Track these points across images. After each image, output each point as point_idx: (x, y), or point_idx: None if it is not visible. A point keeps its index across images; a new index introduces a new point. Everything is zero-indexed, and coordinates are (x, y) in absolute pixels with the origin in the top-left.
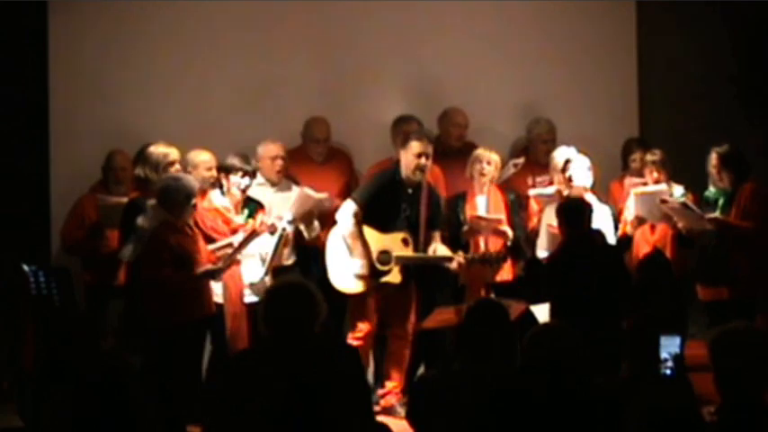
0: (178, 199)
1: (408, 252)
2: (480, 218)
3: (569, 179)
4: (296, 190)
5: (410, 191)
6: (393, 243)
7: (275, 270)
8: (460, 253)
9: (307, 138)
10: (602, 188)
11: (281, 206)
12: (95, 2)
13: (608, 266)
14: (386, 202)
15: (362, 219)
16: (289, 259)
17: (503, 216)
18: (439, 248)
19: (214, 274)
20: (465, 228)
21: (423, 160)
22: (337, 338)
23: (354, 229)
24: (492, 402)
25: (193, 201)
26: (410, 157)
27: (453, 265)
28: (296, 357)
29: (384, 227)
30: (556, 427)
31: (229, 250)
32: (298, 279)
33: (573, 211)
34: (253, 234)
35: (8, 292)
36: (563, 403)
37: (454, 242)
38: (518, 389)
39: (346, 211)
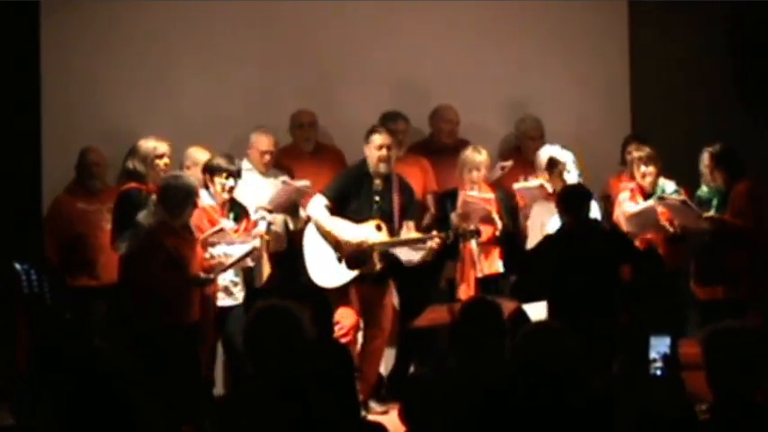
0: (177, 197)
1: (383, 237)
2: (471, 198)
3: (564, 181)
4: (277, 182)
5: (380, 183)
6: (367, 231)
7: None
8: (434, 233)
9: (293, 127)
10: (595, 185)
11: (267, 191)
12: (88, 2)
13: (609, 255)
14: (356, 196)
15: (335, 213)
16: (281, 246)
17: (492, 196)
18: (412, 235)
19: (205, 283)
20: (456, 211)
21: (384, 152)
22: (326, 339)
23: (323, 219)
24: (485, 401)
25: (194, 199)
26: (372, 150)
27: (429, 245)
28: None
29: (357, 220)
30: (549, 426)
31: (221, 255)
32: (276, 303)
33: (573, 197)
34: (253, 250)
35: (1, 290)
36: (556, 403)
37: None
38: (511, 388)
39: (317, 204)
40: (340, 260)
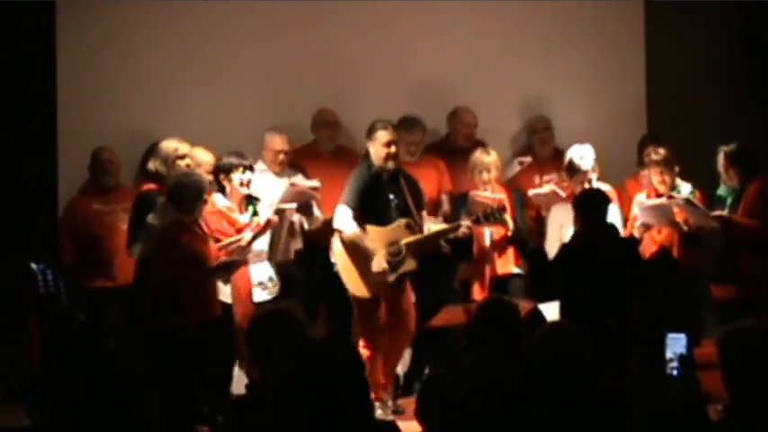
0: (191, 195)
1: (415, 236)
2: (479, 197)
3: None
4: (285, 183)
5: (387, 179)
6: (398, 232)
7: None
8: (464, 217)
9: (318, 125)
10: (612, 185)
11: (280, 192)
12: (103, 1)
13: (621, 260)
14: (373, 197)
15: (359, 219)
16: (297, 245)
17: (502, 196)
18: (432, 226)
19: (230, 267)
20: (468, 212)
21: (392, 148)
22: (339, 340)
23: (359, 230)
24: (500, 401)
25: (205, 197)
26: (379, 147)
27: (462, 231)
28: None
29: (381, 221)
30: (564, 426)
31: (243, 243)
32: (277, 307)
33: (590, 201)
34: (267, 226)
35: (16, 289)
36: (571, 403)
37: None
38: (526, 388)
39: (344, 215)
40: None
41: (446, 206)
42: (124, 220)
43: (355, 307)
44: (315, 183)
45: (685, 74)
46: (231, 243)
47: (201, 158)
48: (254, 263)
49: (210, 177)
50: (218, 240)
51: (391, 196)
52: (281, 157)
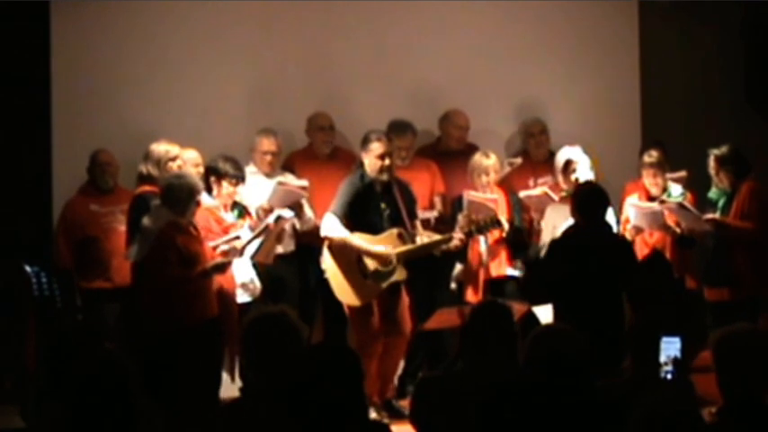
0: (182, 196)
1: (407, 246)
2: (475, 198)
3: (575, 180)
4: (274, 183)
5: (380, 189)
6: (389, 242)
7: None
8: (457, 230)
9: (313, 129)
10: (606, 188)
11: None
12: (98, 2)
13: (617, 259)
14: (365, 206)
15: (348, 228)
16: (288, 247)
17: (498, 196)
18: (425, 238)
19: (224, 267)
20: (463, 212)
21: (386, 161)
22: (335, 343)
23: (348, 236)
24: (495, 404)
25: (197, 198)
26: (373, 159)
27: (454, 244)
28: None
29: (372, 230)
30: (557, 429)
31: (237, 244)
32: (272, 310)
33: (587, 197)
34: (264, 230)
35: (10, 292)
36: (564, 405)
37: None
38: (520, 390)
39: (332, 223)
40: (366, 276)
41: (439, 207)
42: (121, 222)
43: (348, 315)
44: (303, 182)
45: (680, 75)
46: (225, 243)
47: (185, 157)
48: (236, 264)
49: (198, 171)
50: (205, 238)
51: (383, 206)
52: (269, 158)
